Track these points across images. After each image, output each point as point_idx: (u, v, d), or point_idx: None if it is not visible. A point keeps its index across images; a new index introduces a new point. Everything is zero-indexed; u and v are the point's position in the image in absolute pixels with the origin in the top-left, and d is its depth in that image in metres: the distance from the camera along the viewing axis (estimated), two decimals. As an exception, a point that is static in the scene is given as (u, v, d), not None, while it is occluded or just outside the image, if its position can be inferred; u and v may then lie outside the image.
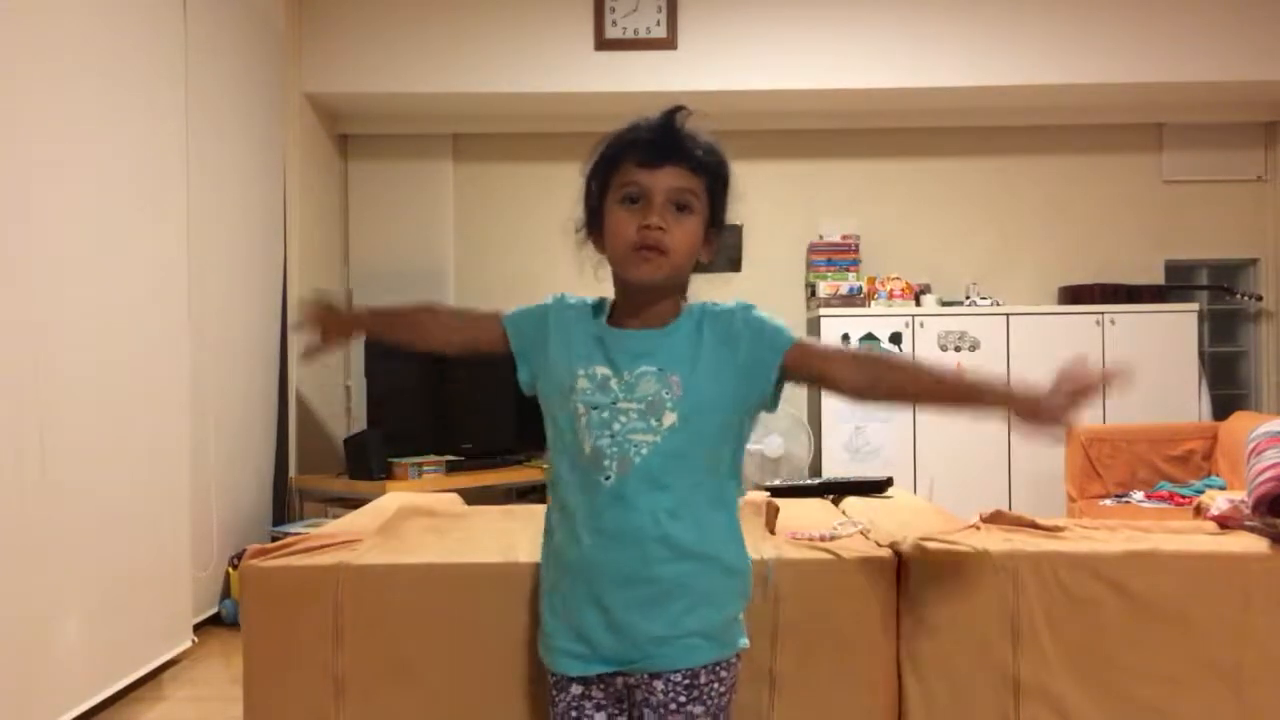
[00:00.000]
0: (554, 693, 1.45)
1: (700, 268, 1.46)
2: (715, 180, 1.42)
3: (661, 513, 1.36)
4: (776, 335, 1.41)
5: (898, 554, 1.80)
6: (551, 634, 1.44)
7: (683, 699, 1.38)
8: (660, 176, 1.37)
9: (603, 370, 1.39)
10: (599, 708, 1.42)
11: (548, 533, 1.49)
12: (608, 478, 1.36)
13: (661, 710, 1.38)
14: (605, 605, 1.37)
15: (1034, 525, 1.91)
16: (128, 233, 3.12)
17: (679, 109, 1.41)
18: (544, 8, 4.89)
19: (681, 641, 1.37)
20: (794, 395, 5.33)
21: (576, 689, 1.42)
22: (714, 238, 1.44)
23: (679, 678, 1.38)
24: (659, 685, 1.38)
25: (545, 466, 4.74)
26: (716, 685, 1.40)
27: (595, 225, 1.44)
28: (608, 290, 1.48)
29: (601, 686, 1.42)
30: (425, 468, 4.38)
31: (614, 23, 4.86)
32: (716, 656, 1.40)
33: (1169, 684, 1.77)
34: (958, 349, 4.99)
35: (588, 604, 1.38)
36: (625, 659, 1.38)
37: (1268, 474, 1.89)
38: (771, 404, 1.44)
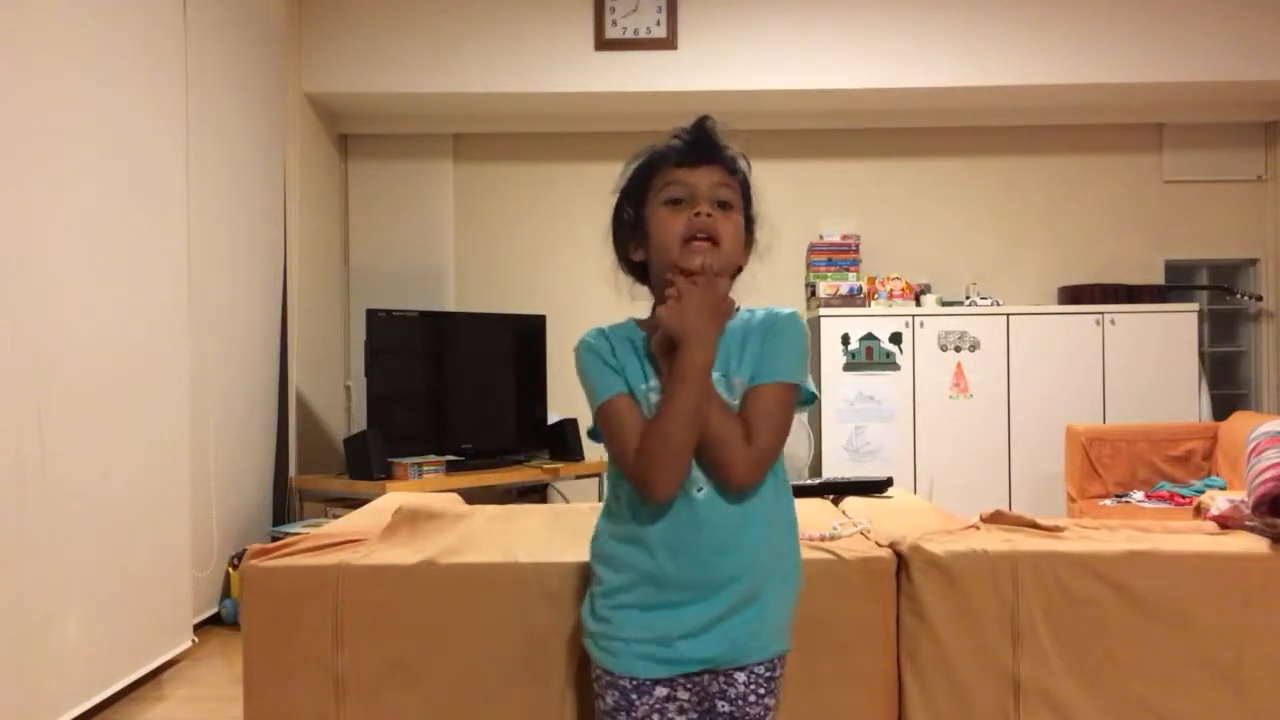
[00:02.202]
0: (633, 697, 1.42)
1: (736, 274, 1.48)
2: (746, 184, 1.48)
3: (748, 514, 1.40)
4: (771, 365, 1.41)
5: (898, 554, 1.80)
6: (631, 640, 1.42)
7: (761, 691, 1.42)
8: (702, 174, 1.42)
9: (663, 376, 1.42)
10: (681, 711, 1.42)
11: (613, 544, 1.46)
12: (700, 489, 1.40)
13: (740, 702, 1.40)
14: (702, 610, 1.38)
15: (1034, 525, 1.91)
16: (128, 233, 3.12)
17: (708, 117, 1.46)
18: (544, 8, 4.89)
19: (767, 633, 1.42)
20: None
21: (661, 691, 1.42)
22: (748, 240, 1.49)
23: (761, 669, 1.41)
24: (740, 676, 1.41)
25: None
26: (781, 678, 1.45)
27: (634, 238, 1.47)
28: (629, 305, 1.51)
29: (688, 686, 1.42)
30: (425, 468, 4.38)
31: (614, 23, 4.86)
32: (788, 646, 1.46)
33: (1169, 683, 1.77)
34: (958, 349, 4.99)
35: (681, 611, 1.39)
36: (717, 658, 1.40)
37: (1268, 474, 1.89)
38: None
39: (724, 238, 1.41)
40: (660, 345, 1.41)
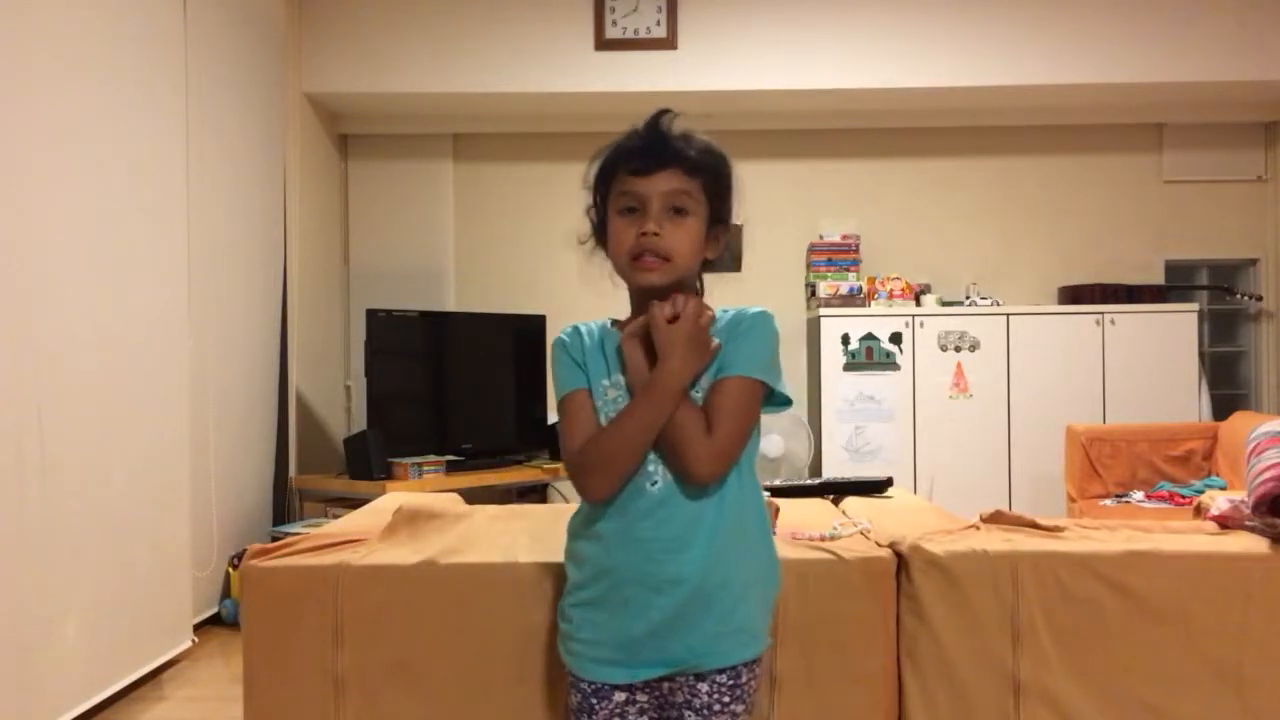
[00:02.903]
0: (593, 701, 1.41)
1: (709, 265, 1.47)
2: (714, 178, 1.43)
3: (705, 512, 1.38)
4: (734, 359, 1.39)
5: (898, 554, 1.80)
6: (588, 642, 1.42)
7: (726, 699, 1.39)
8: (654, 182, 1.39)
9: (625, 378, 1.42)
10: (642, 712, 1.42)
11: (575, 540, 1.47)
12: (654, 483, 1.38)
13: (705, 712, 1.39)
14: (654, 609, 1.36)
15: (1034, 525, 1.91)
16: (128, 233, 3.12)
17: (664, 112, 1.42)
18: (544, 8, 4.89)
19: (730, 638, 1.39)
20: (795, 396, 5.33)
21: (620, 696, 1.41)
22: (720, 235, 1.46)
23: (723, 678, 1.39)
24: (703, 687, 1.39)
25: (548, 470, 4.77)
26: (752, 682, 1.43)
27: (601, 240, 1.47)
28: (620, 294, 1.50)
29: (647, 691, 1.41)
30: (425, 468, 4.38)
31: (614, 23, 4.86)
32: (756, 652, 1.42)
33: (1169, 684, 1.77)
34: (958, 349, 4.99)
35: (634, 610, 1.37)
36: (674, 661, 1.38)
37: (1268, 474, 1.89)
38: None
39: (675, 253, 1.38)
40: (638, 330, 1.39)
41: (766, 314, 1.43)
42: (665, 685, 1.41)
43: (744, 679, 1.41)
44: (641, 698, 1.41)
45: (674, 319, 1.36)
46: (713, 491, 1.38)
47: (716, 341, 1.40)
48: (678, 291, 1.41)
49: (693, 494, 1.38)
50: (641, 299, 1.44)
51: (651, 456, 1.38)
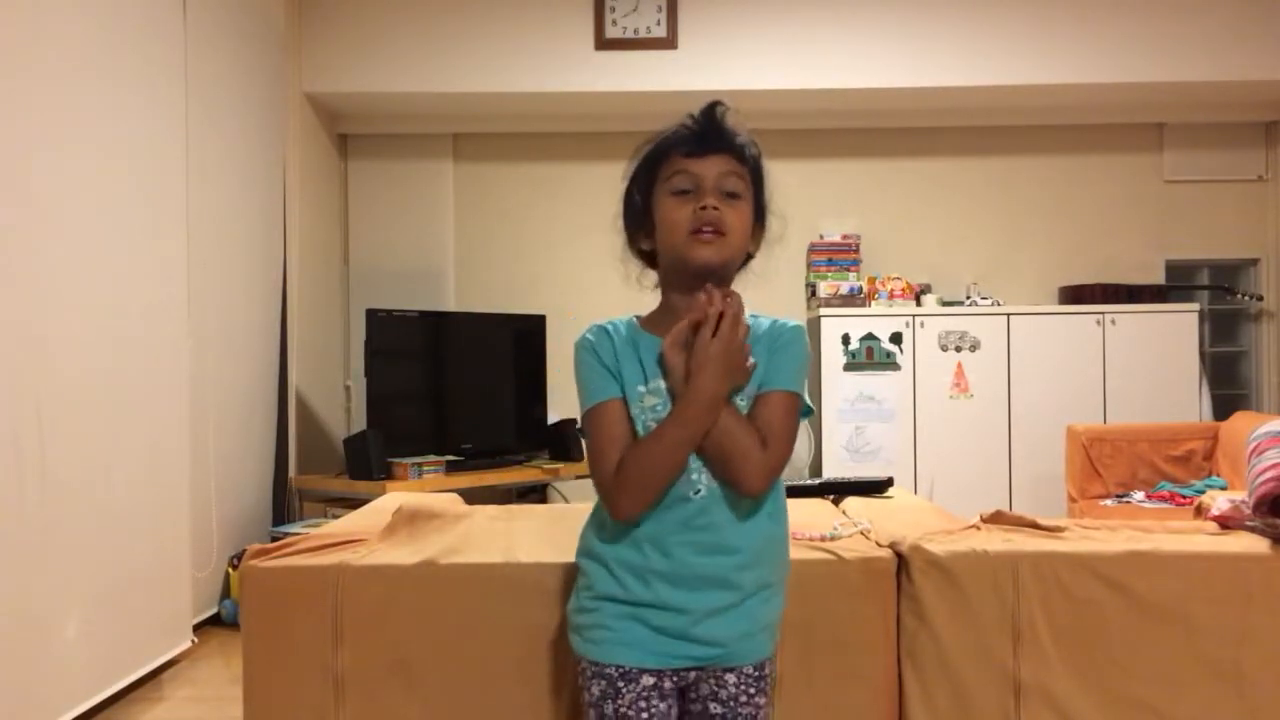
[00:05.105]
0: (620, 685, 1.39)
1: (746, 262, 1.47)
2: (758, 173, 1.46)
3: (742, 517, 1.39)
4: (779, 374, 1.40)
5: (898, 554, 1.80)
6: (618, 630, 1.40)
7: (752, 691, 1.41)
8: (709, 164, 1.41)
9: (667, 384, 1.39)
10: (664, 698, 1.41)
11: (601, 543, 1.43)
12: (698, 491, 1.38)
13: (732, 704, 1.40)
14: (691, 611, 1.37)
15: (1034, 525, 1.91)
16: (128, 232, 3.12)
17: (718, 103, 1.45)
18: (544, 8, 4.89)
19: (758, 636, 1.41)
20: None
21: (648, 680, 1.40)
22: (758, 234, 1.48)
23: (750, 670, 1.41)
24: (731, 679, 1.40)
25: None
26: (772, 677, 1.45)
27: (642, 227, 1.46)
28: (640, 299, 1.49)
29: (674, 678, 1.41)
30: (425, 468, 4.37)
31: (614, 22, 4.86)
32: (776, 647, 1.45)
33: (1169, 684, 1.77)
34: (958, 349, 4.99)
35: (670, 610, 1.37)
36: (707, 657, 1.39)
37: (1268, 474, 1.89)
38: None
39: (731, 230, 1.39)
40: (679, 338, 1.36)
41: (803, 329, 1.46)
42: (692, 674, 1.41)
43: (767, 671, 1.43)
44: (667, 684, 1.41)
45: (719, 317, 1.35)
46: (753, 499, 1.39)
47: (753, 361, 1.39)
48: (722, 282, 1.40)
49: (734, 501, 1.38)
50: (686, 283, 1.42)
51: (696, 465, 1.37)
